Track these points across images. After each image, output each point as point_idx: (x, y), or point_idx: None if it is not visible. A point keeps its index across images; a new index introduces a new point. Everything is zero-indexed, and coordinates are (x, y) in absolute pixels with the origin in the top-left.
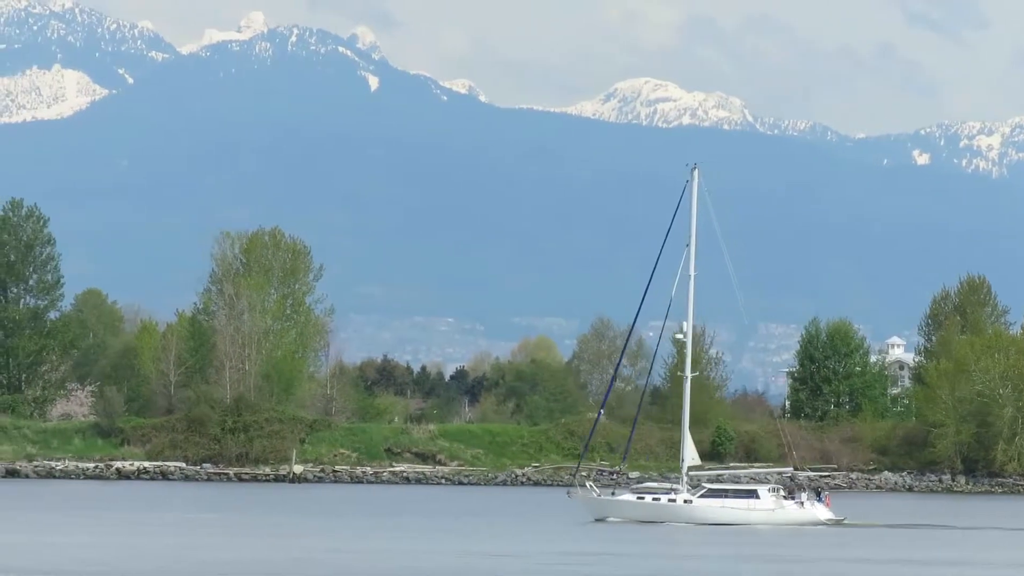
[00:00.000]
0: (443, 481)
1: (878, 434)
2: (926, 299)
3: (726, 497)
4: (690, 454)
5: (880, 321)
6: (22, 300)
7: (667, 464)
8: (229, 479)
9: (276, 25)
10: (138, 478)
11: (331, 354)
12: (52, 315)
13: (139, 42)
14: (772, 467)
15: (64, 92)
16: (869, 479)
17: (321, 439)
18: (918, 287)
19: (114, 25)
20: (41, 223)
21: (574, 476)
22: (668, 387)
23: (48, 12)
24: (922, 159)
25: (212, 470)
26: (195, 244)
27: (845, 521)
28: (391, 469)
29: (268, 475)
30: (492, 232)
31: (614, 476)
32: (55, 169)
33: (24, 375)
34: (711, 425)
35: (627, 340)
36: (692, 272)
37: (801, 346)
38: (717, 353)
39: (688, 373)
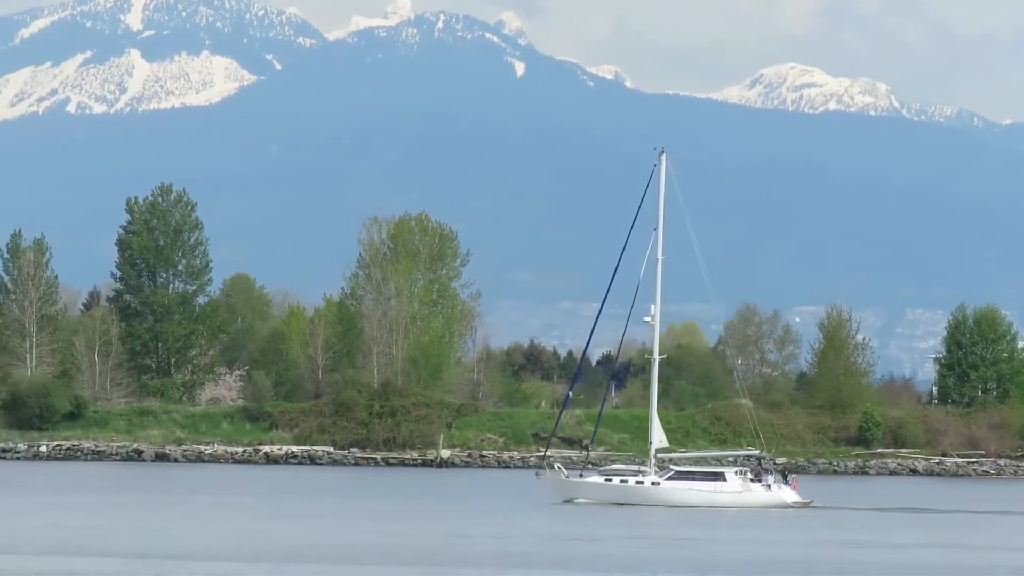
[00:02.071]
0: (590, 466)
1: None
2: None
3: (693, 480)
4: (658, 436)
5: None
6: (171, 285)
7: (813, 450)
8: (376, 464)
9: (423, 11)
10: (286, 462)
11: (478, 339)
12: (201, 300)
13: (287, 28)
14: (740, 451)
15: (212, 78)
16: (1017, 465)
17: (468, 424)
18: None
19: (262, 11)
20: (189, 208)
21: (543, 457)
22: (815, 372)
23: None
24: None
25: (360, 454)
26: (343, 229)
27: (812, 504)
28: (538, 454)
29: (415, 460)
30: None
31: (761, 462)
32: (204, 155)
33: (173, 359)
34: (858, 411)
35: (595, 323)
36: (660, 256)
37: (948, 332)
38: (864, 339)
39: (656, 356)
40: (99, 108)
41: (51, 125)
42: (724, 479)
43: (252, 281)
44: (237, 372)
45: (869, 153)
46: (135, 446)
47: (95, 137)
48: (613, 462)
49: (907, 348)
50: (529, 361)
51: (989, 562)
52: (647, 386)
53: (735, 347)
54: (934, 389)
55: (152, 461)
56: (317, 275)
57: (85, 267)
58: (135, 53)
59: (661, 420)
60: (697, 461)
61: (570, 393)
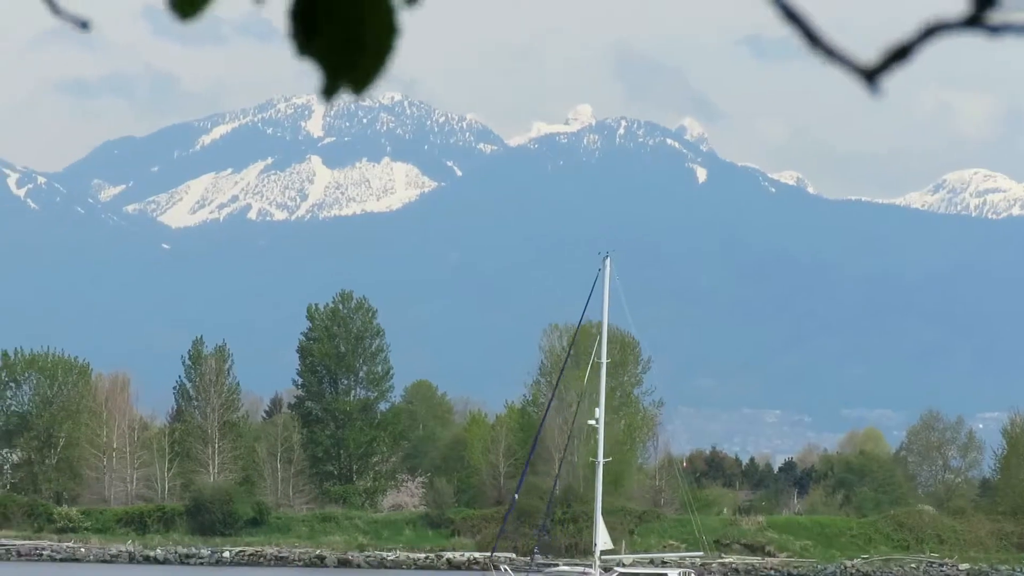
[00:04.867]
0: (772, 572)
1: None
2: None
3: None
4: (602, 538)
5: None
6: (352, 392)
7: (997, 556)
8: None
9: (604, 117)
10: (468, 568)
11: (659, 445)
12: (382, 406)
13: (467, 134)
14: (685, 553)
15: (393, 185)
16: None
17: (650, 530)
18: None
19: (442, 118)
20: (370, 315)
21: (489, 559)
22: (999, 478)
23: (377, 105)
24: None
25: (541, 561)
26: (524, 335)
27: None
28: (720, 560)
29: None
30: (820, 324)
31: (943, 567)
32: (384, 261)
33: (355, 466)
34: None
35: (542, 425)
36: (604, 360)
37: None
38: None
39: (600, 459)
40: (280, 215)
41: (232, 232)
42: None
43: (434, 388)
44: (419, 479)
45: None
46: (318, 552)
47: (276, 244)
48: (559, 563)
49: None
50: (711, 468)
51: None
52: (829, 493)
53: (918, 453)
54: None
55: (335, 567)
56: (498, 380)
57: (267, 373)
58: (316, 160)
59: (843, 527)
60: (641, 562)
61: (515, 496)
